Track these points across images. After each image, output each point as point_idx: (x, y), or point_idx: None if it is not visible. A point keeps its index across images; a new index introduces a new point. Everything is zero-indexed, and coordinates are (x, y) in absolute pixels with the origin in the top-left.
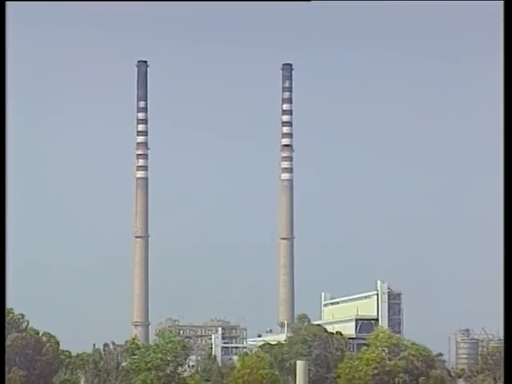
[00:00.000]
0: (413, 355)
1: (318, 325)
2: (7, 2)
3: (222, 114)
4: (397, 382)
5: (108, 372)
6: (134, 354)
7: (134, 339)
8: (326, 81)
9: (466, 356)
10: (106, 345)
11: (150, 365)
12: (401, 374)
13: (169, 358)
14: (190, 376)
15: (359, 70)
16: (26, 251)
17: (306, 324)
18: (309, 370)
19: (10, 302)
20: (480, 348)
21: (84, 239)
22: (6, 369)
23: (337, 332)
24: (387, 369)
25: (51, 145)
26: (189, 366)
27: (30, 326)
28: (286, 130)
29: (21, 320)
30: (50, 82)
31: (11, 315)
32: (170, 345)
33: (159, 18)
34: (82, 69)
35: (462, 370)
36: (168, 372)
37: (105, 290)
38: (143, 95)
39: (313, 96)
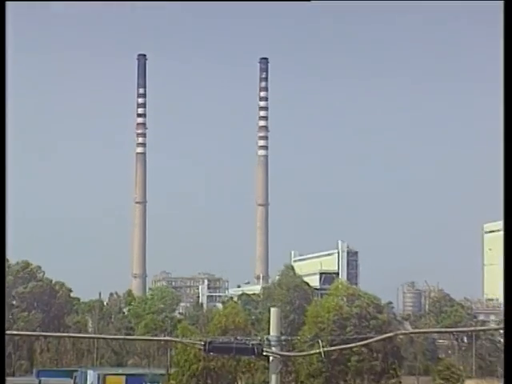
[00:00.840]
0: (366, 303)
1: (291, 276)
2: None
3: (208, 100)
4: (352, 324)
5: (111, 316)
6: (137, 301)
7: (135, 292)
8: (302, 73)
9: (411, 304)
10: (111, 294)
11: (149, 311)
12: (356, 319)
13: (162, 306)
14: (180, 320)
15: (336, 63)
16: (40, 209)
17: (282, 276)
18: (281, 315)
19: (24, 255)
20: (423, 297)
21: (92, 203)
22: (26, 313)
23: (307, 283)
24: (345, 315)
25: (60, 125)
26: (179, 312)
27: (46, 276)
28: (262, 113)
29: (38, 271)
30: (54, 72)
31: (30, 267)
32: (165, 294)
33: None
34: (87, 60)
35: (408, 315)
36: (163, 316)
37: (109, 247)
38: (143, 83)
39: (287, 86)
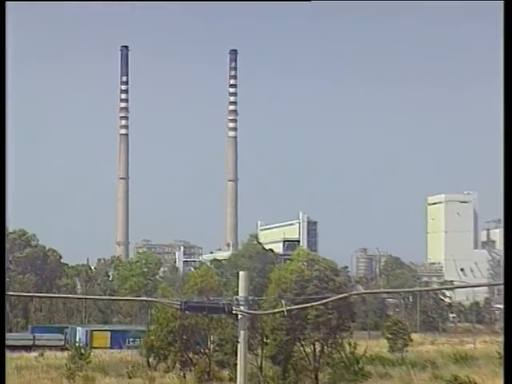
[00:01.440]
0: (325, 267)
1: (258, 243)
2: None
3: (184, 88)
4: (312, 286)
5: (97, 279)
6: (121, 266)
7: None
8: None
9: (363, 268)
10: (99, 259)
11: (133, 273)
12: (315, 281)
13: (146, 270)
14: (160, 282)
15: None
16: (36, 183)
17: (248, 243)
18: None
19: (21, 223)
20: (374, 262)
21: (82, 179)
22: (21, 276)
23: (270, 249)
24: (305, 277)
25: (52, 111)
26: (159, 276)
27: (39, 243)
28: (232, 99)
29: (33, 238)
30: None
31: (26, 235)
32: (150, 259)
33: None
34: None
35: (361, 277)
36: (147, 279)
37: (96, 217)
38: (125, 71)
39: (255, 77)
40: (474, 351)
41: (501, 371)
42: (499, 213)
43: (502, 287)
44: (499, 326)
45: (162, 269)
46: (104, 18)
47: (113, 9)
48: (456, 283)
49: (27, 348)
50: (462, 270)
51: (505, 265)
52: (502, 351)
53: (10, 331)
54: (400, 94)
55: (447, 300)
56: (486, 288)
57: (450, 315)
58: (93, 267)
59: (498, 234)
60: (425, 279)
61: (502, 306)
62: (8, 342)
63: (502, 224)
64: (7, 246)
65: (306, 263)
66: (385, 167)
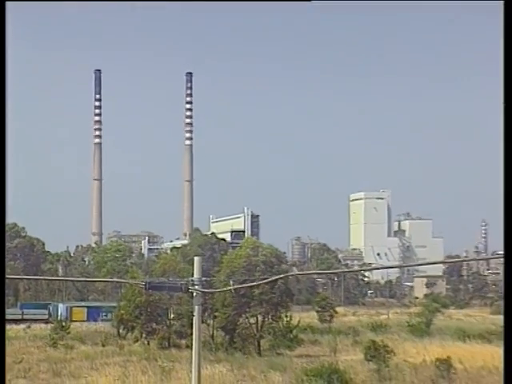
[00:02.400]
0: (268, 253)
1: (212, 233)
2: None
3: (151, 106)
4: (259, 269)
5: (75, 263)
6: (96, 253)
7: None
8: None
9: (297, 253)
10: (77, 246)
11: (107, 259)
12: (261, 265)
13: (118, 256)
14: (130, 266)
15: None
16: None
17: (202, 233)
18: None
19: (12, 218)
20: (306, 248)
21: (63, 180)
22: (12, 262)
23: (222, 239)
24: (252, 262)
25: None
26: (129, 261)
27: (28, 234)
28: (188, 113)
29: (22, 231)
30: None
31: (16, 227)
32: (121, 247)
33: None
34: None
35: (295, 261)
36: (119, 263)
37: (75, 212)
38: (98, 91)
39: (209, 94)
40: (387, 321)
41: (409, 337)
42: (408, 207)
43: (411, 268)
44: (408, 299)
45: (130, 257)
46: (76, 40)
47: (85, 33)
48: (373, 265)
49: (17, 321)
50: (378, 254)
51: (505, 263)
52: (410, 320)
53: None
54: (332, 97)
55: (366, 279)
56: (397, 269)
57: (368, 291)
58: (72, 253)
59: (407, 225)
60: (348, 262)
61: (410, 284)
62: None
63: (410, 216)
64: None
65: (252, 250)
66: (317, 169)
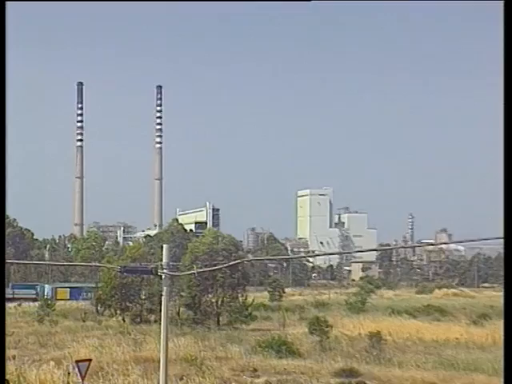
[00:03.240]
0: (227, 241)
1: (179, 224)
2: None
3: (126, 113)
4: (219, 255)
5: (59, 250)
6: (77, 240)
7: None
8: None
9: (252, 242)
10: (60, 236)
11: (86, 246)
12: (221, 251)
13: (94, 244)
14: (106, 253)
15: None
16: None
17: (169, 224)
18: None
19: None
20: (259, 237)
21: (47, 179)
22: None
23: (190, 229)
24: (213, 249)
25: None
26: (104, 248)
27: (19, 224)
28: (158, 121)
29: (14, 221)
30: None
31: (8, 219)
32: (100, 237)
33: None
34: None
35: (250, 249)
36: (96, 250)
37: (59, 205)
38: (80, 101)
39: (178, 106)
40: (328, 300)
41: (347, 313)
42: (347, 202)
43: (349, 254)
44: (346, 281)
45: (108, 242)
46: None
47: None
48: (316, 252)
49: (8, 300)
50: (321, 243)
51: (505, 262)
52: (348, 299)
53: None
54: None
55: (310, 264)
56: (337, 255)
57: (313, 275)
58: (56, 241)
59: (346, 218)
60: (295, 249)
61: (348, 268)
62: None
63: (348, 210)
64: None
65: (213, 239)
66: (269, 169)
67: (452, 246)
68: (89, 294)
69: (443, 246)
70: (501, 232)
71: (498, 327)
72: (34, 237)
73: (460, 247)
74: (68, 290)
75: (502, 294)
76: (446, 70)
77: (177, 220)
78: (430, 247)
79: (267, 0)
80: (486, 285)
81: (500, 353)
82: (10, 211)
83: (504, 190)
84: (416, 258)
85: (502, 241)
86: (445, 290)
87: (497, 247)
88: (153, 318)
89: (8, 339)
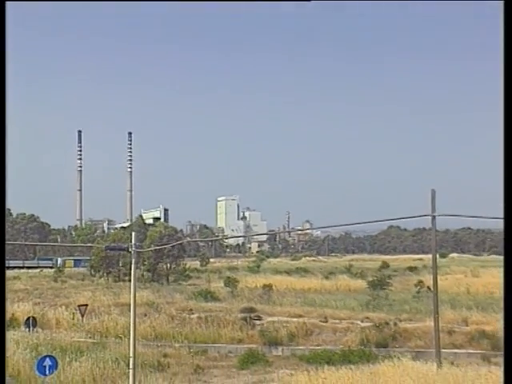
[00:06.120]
0: (172, 230)
1: (141, 219)
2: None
3: (108, 146)
4: (167, 239)
5: (67, 236)
6: (78, 230)
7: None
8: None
9: (189, 230)
10: (69, 226)
11: (84, 233)
12: (168, 236)
13: (89, 231)
14: (96, 238)
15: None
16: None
17: (137, 219)
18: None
19: (31, 210)
20: (194, 227)
21: (59, 190)
22: (32, 235)
23: (148, 223)
24: (163, 235)
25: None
26: (96, 235)
27: (40, 219)
28: (129, 152)
29: (37, 218)
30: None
31: (33, 216)
32: (93, 227)
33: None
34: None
35: (188, 235)
36: (90, 236)
37: (65, 206)
38: (79, 141)
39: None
40: (237, 265)
41: (248, 273)
42: (248, 204)
43: (250, 237)
44: (248, 254)
45: (97, 231)
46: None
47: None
48: (229, 235)
49: (35, 268)
50: (232, 230)
51: (505, 262)
52: (249, 264)
53: (27, 259)
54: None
55: (225, 243)
56: (242, 238)
57: (227, 250)
58: (66, 230)
59: (247, 214)
60: (216, 234)
61: (250, 245)
62: (26, 264)
63: (249, 209)
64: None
65: (163, 229)
66: (201, 182)
67: (313, 231)
68: (86, 263)
69: (307, 230)
70: (339, 220)
71: (339, 280)
72: (51, 227)
73: (317, 232)
74: (72, 261)
75: (343, 259)
76: None
77: (141, 216)
78: (299, 232)
79: (267, 0)
80: (332, 254)
81: (340, 296)
82: (35, 212)
83: (504, 187)
84: (291, 238)
85: (346, 226)
86: (308, 258)
87: (339, 230)
88: (127, 278)
89: (34, 292)
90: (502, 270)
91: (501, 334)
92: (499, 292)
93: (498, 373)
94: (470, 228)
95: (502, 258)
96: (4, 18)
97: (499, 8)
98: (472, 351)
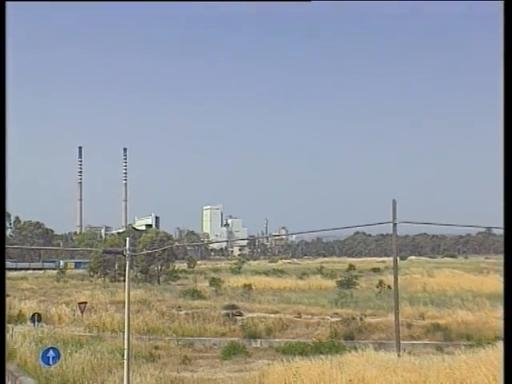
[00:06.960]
0: (163, 236)
1: (133, 227)
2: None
3: (105, 161)
4: (158, 243)
5: (68, 240)
6: (78, 235)
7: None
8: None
9: (178, 236)
10: (69, 232)
11: (83, 238)
12: (159, 241)
13: (89, 237)
14: (96, 243)
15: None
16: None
17: (129, 226)
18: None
19: (37, 218)
20: (182, 233)
21: (61, 201)
22: (37, 240)
23: (141, 229)
24: (154, 240)
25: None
26: (95, 240)
27: (45, 226)
28: (124, 165)
29: (42, 225)
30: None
31: (38, 223)
32: (92, 233)
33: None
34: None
35: (177, 239)
36: (89, 240)
37: (67, 214)
38: (80, 155)
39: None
40: (220, 267)
41: (231, 274)
42: (231, 212)
43: (232, 242)
44: (231, 257)
45: (95, 238)
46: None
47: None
48: (213, 240)
49: (40, 269)
50: (216, 235)
51: (505, 261)
52: (231, 266)
53: (32, 261)
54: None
55: (210, 247)
56: (225, 242)
57: (212, 253)
58: (67, 236)
59: (230, 221)
60: (202, 239)
61: (232, 249)
62: (32, 266)
63: (231, 217)
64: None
65: (154, 234)
66: (188, 193)
67: (289, 236)
68: (85, 265)
69: (283, 236)
70: (312, 227)
71: (312, 280)
72: (54, 233)
73: (292, 237)
74: (73, 263)
75: (315, 261)
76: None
77: (135, 223)
78: (276, 237)
79: (268, 0)
80: (305, 257)
81: (313, 294)
82: (40, 219)
83: (504, 188)
84: (268, 243)
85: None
86: (284, 260)
87: (312, 236)
88: (122, 278)
89: (39, 291)
90: (453, 270)
91: (452, 326)
92: (451, 290)
93: (449, 360)
94: (426, 234)
95: (453, 260)
96: (4, 18)
97: (499, 8)
98: (428, 342)
